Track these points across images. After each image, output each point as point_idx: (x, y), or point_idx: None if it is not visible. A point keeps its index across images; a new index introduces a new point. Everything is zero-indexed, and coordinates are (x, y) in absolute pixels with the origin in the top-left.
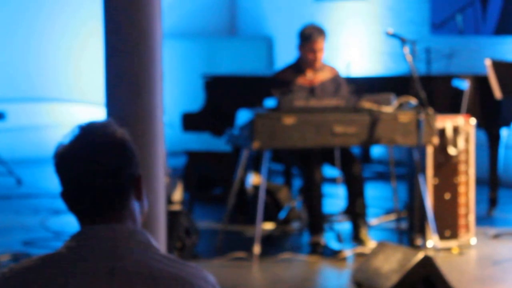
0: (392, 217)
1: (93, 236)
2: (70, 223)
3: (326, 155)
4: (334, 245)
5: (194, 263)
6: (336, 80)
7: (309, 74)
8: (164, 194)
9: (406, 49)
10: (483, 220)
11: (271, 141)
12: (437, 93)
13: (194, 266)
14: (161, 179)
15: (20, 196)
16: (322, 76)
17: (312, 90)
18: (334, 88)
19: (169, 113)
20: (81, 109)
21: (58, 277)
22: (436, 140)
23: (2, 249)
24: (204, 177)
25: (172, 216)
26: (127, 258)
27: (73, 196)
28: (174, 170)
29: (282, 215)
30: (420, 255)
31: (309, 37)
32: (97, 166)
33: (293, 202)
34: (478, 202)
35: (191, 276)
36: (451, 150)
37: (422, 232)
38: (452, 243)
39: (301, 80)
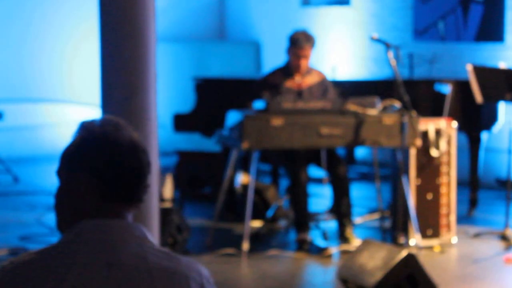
0: (376, 216)
1: (90, 230)
2: None
3: (312, 156)
4: (320, 242)
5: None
6: (323, 84)
7: (297, 78)
8: (157, 192)
9: (390, 54)
10: (463, 219)
11: (259, 141)
12: (420, 97)
13: (188, 260)
14: (154, 177)
15: (17, 193)
16: (310, 80)
17: (300, 94)
18: (321, 92)
19: (161, 114)
20: (76, 110)
21: (56, 270)
22: (419, 142)
23: (0, 244)
24: (195, 176)
25: (164, 214)
26: (123, 251)
27: (108, 186)
28: (165, 169)
29: (269, 213)
30: (403, 253)
31: (296, 42)
32: (137, 159)
33: (280, 201)
34: (459, 202)
35: (185, 269)
36: (434, 152)
37: (405, 231)
38: (434, 242)
39: (289, 83)
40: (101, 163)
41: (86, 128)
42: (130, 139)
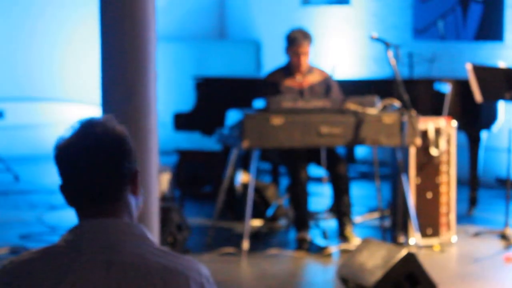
0: (376, 215)
1: (90, 230)
2: (65, 218)
3: (312, 155)
4: (320, 241)
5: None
6: (326, 83)
7: (299, 77)
8: (157, 191)
9: (390, 53)
10: (463, 218)
11: (259, 140)
12: (420, 96)
13: (188, 259)
14: (154, 176)
15: (18, 192)
16: (311, 79)
17: (301, 93)
18: (323, 91)
19: (161, 113)
20: (77, 109)
21: (56, 269)
22: (418, 141)
23: (0, 243)
24: (195, 175)
25: (164, 212)
26: (123, 250)
27: (72, 189)
28: (165, 168)
29: (269, 212)
30: (403, 252)
31: (294, 40)
32: (96, 159)
33: (280, 200)
34: (458, 201)
35: (185, 268)
36: (433, 151)
37: (405, 230)
38: (433, 241)
39: (290, 82)
40: (71, 173)
41: (59, 140)
42: (103, 138)
